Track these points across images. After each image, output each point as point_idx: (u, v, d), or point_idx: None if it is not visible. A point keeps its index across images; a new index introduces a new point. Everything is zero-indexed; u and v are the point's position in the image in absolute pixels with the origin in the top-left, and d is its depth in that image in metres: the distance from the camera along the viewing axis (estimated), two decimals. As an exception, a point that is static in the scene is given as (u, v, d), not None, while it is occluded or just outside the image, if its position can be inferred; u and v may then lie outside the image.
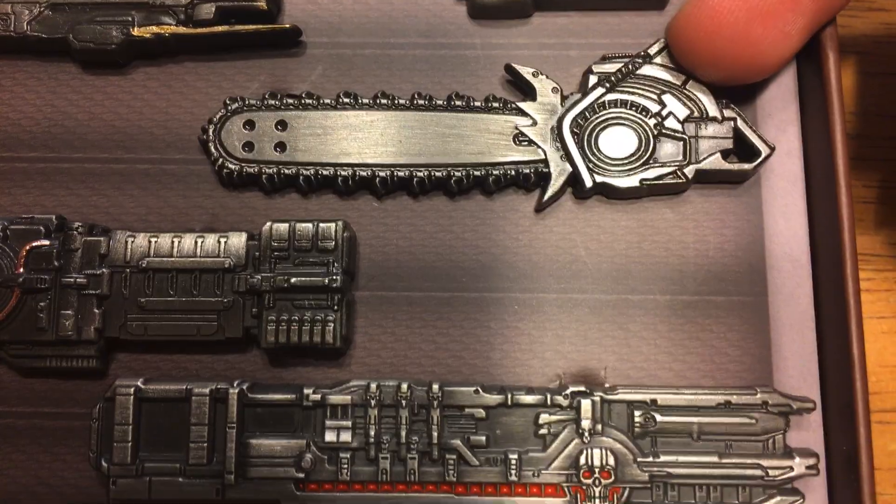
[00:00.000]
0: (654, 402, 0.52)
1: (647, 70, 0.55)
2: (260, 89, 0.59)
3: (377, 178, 0.56)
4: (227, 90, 0.59)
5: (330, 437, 0.51)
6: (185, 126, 0.58)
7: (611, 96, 0.55)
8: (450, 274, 0.56)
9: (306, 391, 0.52)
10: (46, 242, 0.53)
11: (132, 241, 0.54)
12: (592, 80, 0.56)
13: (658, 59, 0.56)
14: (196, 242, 0.54)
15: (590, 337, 0.55)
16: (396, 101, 0.56)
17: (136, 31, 0.57)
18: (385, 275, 0.56)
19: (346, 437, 0.51)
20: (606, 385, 0.54)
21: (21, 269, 0.53)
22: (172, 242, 0.54)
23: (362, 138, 0.56)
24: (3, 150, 0.58)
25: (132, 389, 0.52)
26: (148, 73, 0.59)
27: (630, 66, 0.55)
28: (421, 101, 0.56)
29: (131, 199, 0.57)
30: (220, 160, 0.56)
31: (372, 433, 0.51)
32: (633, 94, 0.55)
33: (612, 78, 0.55)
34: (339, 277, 0.53)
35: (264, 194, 0.57)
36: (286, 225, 0.54)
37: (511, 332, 0.55)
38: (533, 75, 0.56)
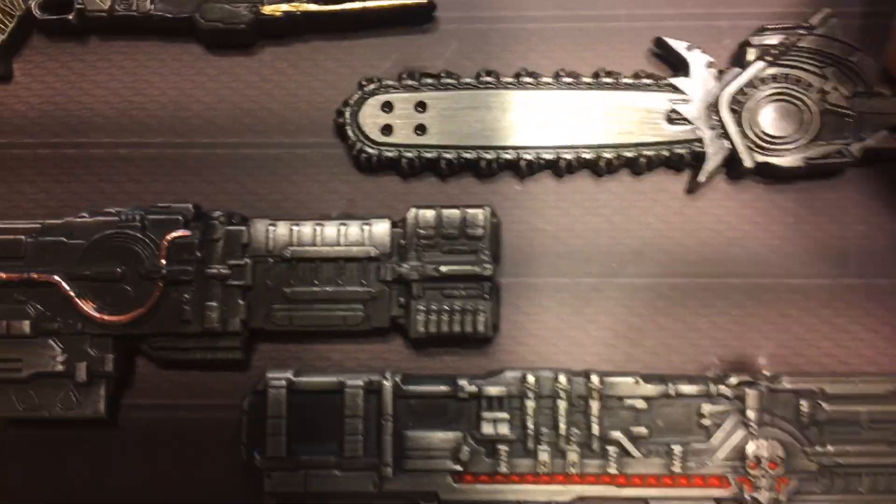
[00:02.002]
0: (822, 391, 0.53)
1: (809, 42, 0.56)
2: (392, 68, 0.59)
3: (522, 161, 0.56)
4: (358, 70, 0.59)
5: (487, 428, 0.53)
6: (316, 108, 0.59)
7: (771, 70, 0.55)
8: (597, 259, 0.57)
9: (461, 382, 0.53)
10: (188, 233, 0.55)
11: (273, 230, 0.55)
12: (751, 53, 0.55)
13: (820, 30, 0.56)
14: (339, 230, 0.55)
15: (747, 323, 0.56)
16: (540, 80, 0.57)
17: (266, 10, 0.58)
18: (530, 260, 0.57)
19: (503, 428, 0.53)
20: (766, 373, 0.55)
21: (164, 261, 0.55)
22: (315, 231, 0.55)
23: (505, 119, 0.56)
24: (129, 135, 0.59)
25: (284, 382, 0.53)
26: (275, 53, 0.60)
27: (792, 38, 0.55)
28: (566, 79, 0.56)
29: (264, 186, 0.59)
30: (358, 144, 0.57)
31: (530, 425, 0.53)
32: (794, 67, 0.55)
33: (773, 51, 0.55)
34: (489, 265, 0.54)
35: (401, 178, 0.58)
36: (432, 212, 0.55)
37: (664, 319, 0.56)
38: (686, 49, 0.56)
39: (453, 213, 0.55)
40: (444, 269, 0.54)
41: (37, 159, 0.59)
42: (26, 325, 0.54)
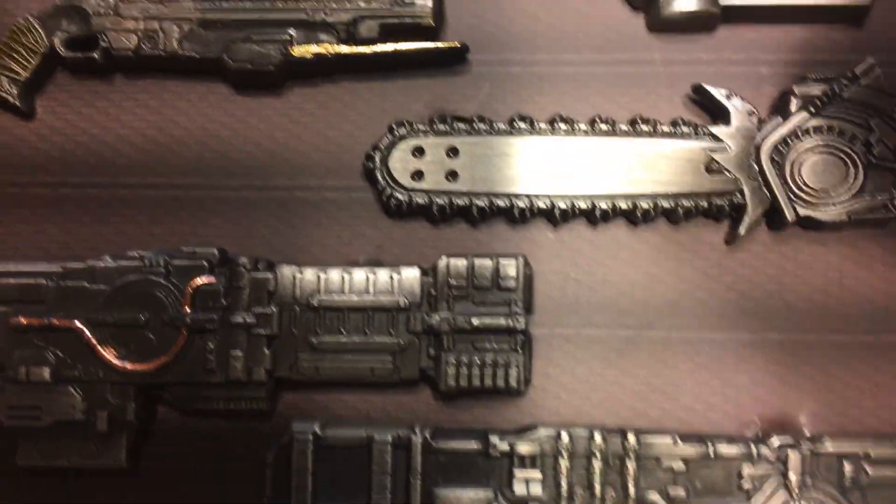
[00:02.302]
0: (866, 454, 0.51)
1: (853, 92, 0.54)
2: (424, 111, 0.58)
3: (556, 210, 0.55)
4: (388, 112, 0.58)
5: (519, 488, 0.51)
6: (346, 151, 0.58)
7: (814, 121, 0.54)
8: (633, 310, 0.56)
9: (493, 440, 0.52)
10: (212, 280, 0.54)
11: (300, 277, 0.54)
12: (794, 103, 0.54)
13: (864, 81, 0.55)
14: (367, 278, 0.54)
15: (787, 380, 0.55)
16: (576, 126, 0.56)
17: (295, 51, 0.57)
18: (563, 310, 0.56)
19: (535, 489, 0.51)
20: (808, 434, 0.54)
21: (188, 308, 0.54)
22: (343, 278, 0.54)
23: (540, 166, 0.55)
24: (155, 176, 0.58)
25: (310, 436, 0.52)
26: (304, 94, 0.59)
27: (835, 89, 0.54)
28: (603, 126, 0.55)
29: (291, 229, 0.58)
30: (388, 190, 0.56)
31: (564, 485, 0.51)
32: (838, 119, 0.54)
33: (816, 101, 0.54)
34: (522, 318, 0.53)
35: (431, 224, 0.57)
36: (464, 261, 0.54)
37: (702, 374, 0.55)
38: (726, 97, 0.55)
39: (485, 263, 0.54)
40: (475, 321, 0.53)
41: (59, 199, 0.58)
42: (46, 372, 0.53)
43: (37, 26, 0.58)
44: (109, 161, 0.58)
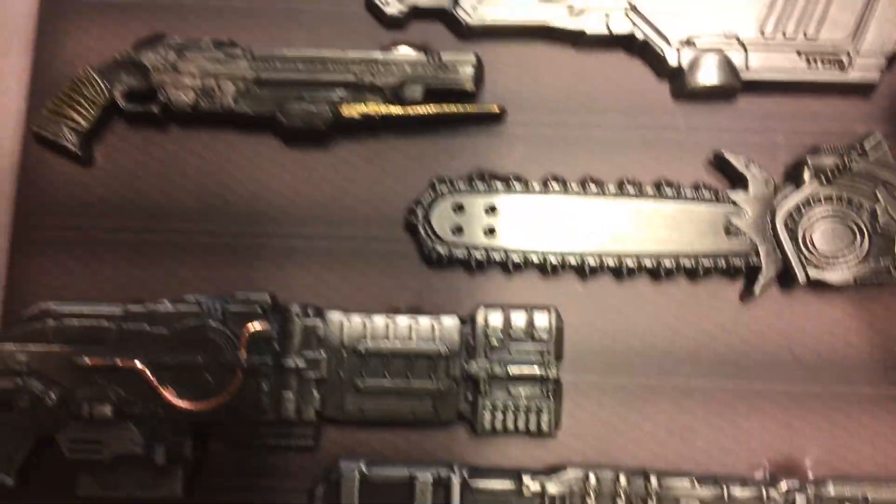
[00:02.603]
0: (866, 498, 0.56)
1: (861, 165, 0.59)
2: (461, 167, 0.62)
3: (586, 265, 0.59)
4: (428, 168, 0.62)
5: (549, 526, 0.57)
6: (388, 204, 0.62)
7: (825, 191, 0.59)
8: (654, 359, 0.60)
9: (525, 480, 0.56)
10: (266, 325, 0.58)
11: (347, 324, 0.58)
12: (808, 173, 0.59)
13: (872, 155, 0.59)
14: (410, 326, 0.58)
15: (794, 427, 0.59)
16: (606, 189, 0.60)
17: (345, 111, 0.61)
18: (590, 358, 0.60)
19: (564, 526, 0.57)
20: (811, 476, 0.58)
21: (244, 352, 0.58)
22: (387, 325, 0.58)
23: (572, 225, 0.60)
24: (207, 223, 0.62)
25: (356, 473, 0.56)
26: (350, 149, 0.63)
27: (846, 162, 0.59)
28: (631, 189, 0.60)
29: (337, 276, 0.62)
30: (430, 243, 0.60)
31: (590, 523, 0.57)
32: (847, 189, 0.59)
33: (828, 173, 0.59)
34: (554, 368, 0.57)
35: (468, 272, 0.61)
36: (500, 313, 0.58)
37: (716, 420, 0.59)
38: (746, 165, 0.60)
39: (520, 315, 0.58)
40: (511, 370, 0.57)
41: (116, 243, 0.62)
42: (108, 410, 0.56)
43: (98, 79, 0.61)
44: (164, 207, 0.62)
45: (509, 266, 0.60)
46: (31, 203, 0.62)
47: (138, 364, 0.56)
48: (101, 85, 0.61)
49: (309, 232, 0.62)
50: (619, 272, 0.60)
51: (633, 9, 0.62)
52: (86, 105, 0.61)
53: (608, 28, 0.62)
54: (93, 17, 0.64)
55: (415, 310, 0.60)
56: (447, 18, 0.63)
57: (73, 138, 0.61)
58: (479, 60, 0.61)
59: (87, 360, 0.56)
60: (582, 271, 0.60)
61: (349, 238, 0.62)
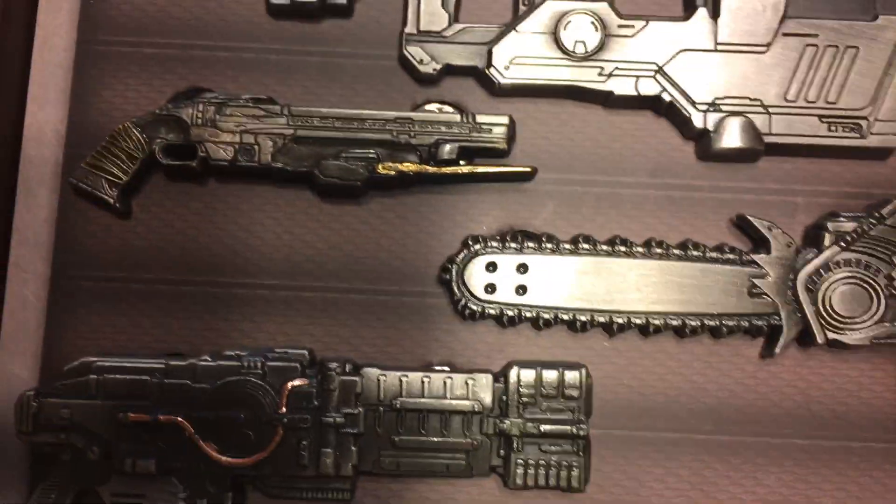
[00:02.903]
0: (878, 552, 0.60)
1: (879, 231, 0.61)
2: (493, 223, 0.64)
3: (614, 324, 0.62)
4: (461, 224, 0.64)
5: (579, 578, 0.59)
6: (421, 259, 0.64)
7: (844, 255, 0.61)
8: (678, 415, 0.62)
9: (556, 534, 0.59)
10: (306, 381, 0.59)
11: (384, 380, 0.60)
12: (827, 238, 0.61)
13: (890, 221, 0.61)
14: (445, 383, 0.60)
15: (809, 481, 0.62)
16: (633, 249, 0.62)
17: (381, 169, 0.62)
18: (616, 413, 0.62)
19: (593, 578, 0.59)
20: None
21: (284, 408, 0.59)
22: (423, 382, 0.60)
23: (601, 284, 0.61)
24: (244, 276, 0.63)
25: (394, 528, 0.58)
26: (384, 203, 0.64)
27: (864, 227, 0.61)
28: (658, 250, 0.62)
29: (372, 330, 0.63)
30: (463, 300, 0.61)
31: (618, 576, 0.59)
32: (865, 253, 0.61)
33: (847, 238, 0.61)
34: (584, 426, 0.59)
35: (500, 326, 0.63)
36: (533, 372, 0.60)
37: (736, 475, 0.62)
38: (768, 229, 0.62)
39: (552, 375, 0.60)
40: (543, 428, 0.59)
41: (154, 294, 0.63)
42: (151, 465, 0.58)
43: (137, 133, 0.62)
44: (202, 260, 0.63)
45: (540, 323, 0.62)
46: (69, 254, 0.63)
47: (181, 420, 0.59)
48: (141, 139, 0.62)
49: (343, 286, 0.63)
50: (646, 330, 0.62)
51: (661, 72, 0.63)
52: (125, 159, 0.62)
53: (636, 90, 0.64)
54: (128, 68, 0.65)
55: (447, 363, 0.62)
56: (479, 76, 0.65)
57: (112, 191, 0.62)
58: (512, 121, 0.62)
59: (129, 416, 0.58)
60: (610, 328, 0.62)
61: (383, 292, 0.63)
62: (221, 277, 0.63)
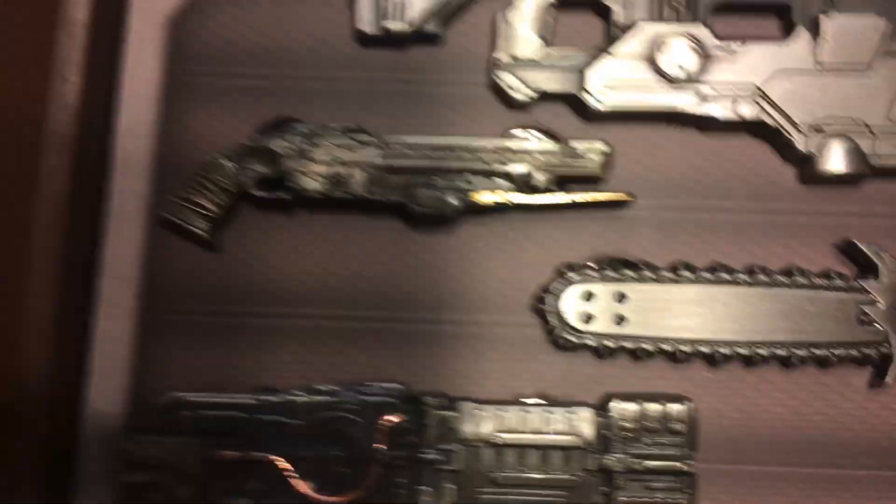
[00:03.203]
0: None
1: None
2: (586, 251, 0.62)
3: (717, 354, 0.60)
4: (553, 252, 0.62)
5: None
6: (515, 288, 0.62)
7: (959, 282, 0.59)
8: (784, 448, 0.60)
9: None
10: (403, 418, 0.58)
11: (480, 415, 0.58)
12: (942, 264, 0.60)
13: None
14: (544, 418, 0.58)
15: (926, 517, 0.60)
16: (736, 276, 0.60)
17: (475, 198, 0.61)
18: (719, 447, 0.60)
19: None
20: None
21: (380, 445, 0.57)
22: (521, 417, 0.59)
23: (702, 313, 0.59)
24: (334, 307, 0.62)
25: (496, 569, 0.57)
26: (475, 232, 0.63)
27: (982, 252, 0.59)
28: (762, 277, 0.60)
29: (463, 362, 0.62)
30: (559, 331, 0.60)
31: None
32: (982, 281, 0.59)
33: (962, 264, 0.59)
34: (691, 462, 0.57)
35: (595, 357, 0.61)
36: (636, 406, 0.58)
37: (848, 511, 0.61)
38: (877, 254, 0.60)
39: (655, 408, 0.58)
40: (648, 464, 0.57)
41: (244, 328, 0.62)
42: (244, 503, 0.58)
43: (228, 165, 0.62)
44: (291, 292, 0.62)
45: (639, 354, 0.60)
46: (158, 289, 0.62)
47: (275, 457, 0.58)
48: (232, 171, 0.62)
49: (434, 317, 0.62)
50: (751, 361, 0.60)
51: (761, 94, 0.62)
52: (217, 191, 0.62)
53: (736, 113, 0.62)
54: (216, 98, 0.64)
55: (540, 395, 0.60)
56: (572, 101, 0.63)
57: (203, 225, 0.61)
58: (609, 147, 0.61)
59: (223, 453, 0.57)
60: (713, 360, 0.60)
61: (474, 322, 0.62)
62: (311, 309, 0.62)
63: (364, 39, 0.64)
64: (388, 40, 0.64)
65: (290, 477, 0.57)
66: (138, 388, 0.62)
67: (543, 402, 0.59)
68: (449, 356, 0.62)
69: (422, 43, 0.65)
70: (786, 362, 0.60)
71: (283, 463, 0.57)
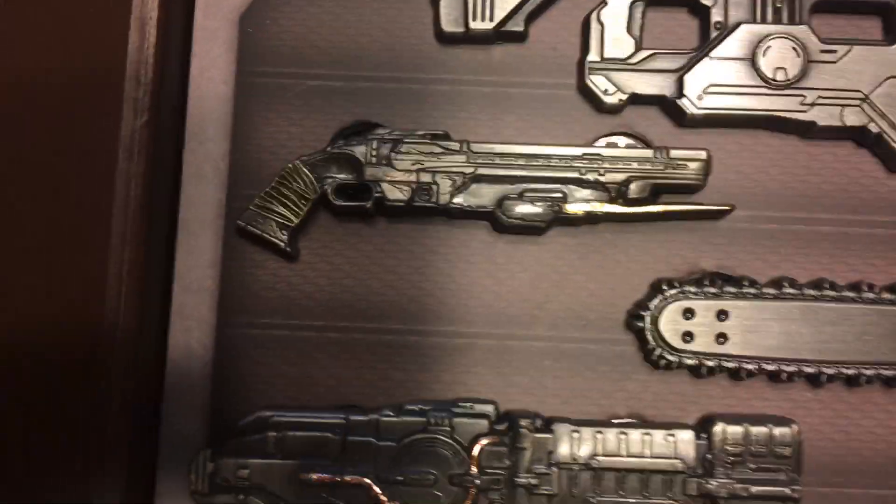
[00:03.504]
0: None
1: None
2: (681, 264, 0.59)
3: (822, 375, 0.57)
4: (648, 265, 0.59)
5: None
6: (607, 303, 0.59)
7: None
8: (889, 470, 0.57)
9: None
10: (497, 439, 0.55)
11: (577, 437, 0.56)
12: None
13: None
14: (643, 440, 0.56)
15: None
16: (841, 293, 0.57)
17: (567, 209, 0.58)
18: (822, 470, 0.57)
19: None
20: None
21: (475, 468, 0.55)
22: (619, 439, 0.56)
23: (807, 332, 0.57)
24: (416, 322, 0.58)
25: None
26: (565, 243, 0.59)
27: None
28: (868, 294, 0.57)
29: (554, 380, 0.59)
30: (658, 350, 0.57)
31: None
32: None
33: None
34: (798, 488, 0.55)
35: (692, 376, 0.59)
36: (740, 428, 0.55)
37: (955, 536, 0.58)
38: None
39: (762, 431, 0.55)
40: (754, 489, 0.55)
41: (326, 342, 0.59)
42: (336, 527, 0.56)
43: (307, 172, 0.59)
44: (373, 305, 0.59)
45: (741, 374, 0.58)
46: (234, 301, 0.59)
47: (367, 480, 0.55)
48: (311, 179, 0.58)
49: (524, 332, 0.59)
50: (856, 381, 0.58)
51: (868, 101, 0.59)
52: (295, 200, 0.58)
53: (842, 120, 0.59)
54: (290, 101, 0.60)
55: (636, 416, 0.58)
56: (665, 105, 0.60)
57: (283, 234, 0.58)
58: (709, 156, 0.57)
59: (314, 476, 0.55)
60: (817, 380, 0.58)
61: (566, 339, 0.59)
62: (394, 324, 0.59)
63: (446, 38, 0.61)
64: (472, 39, 0.61)
65: (383, 501, 0.55)
66: (217, 405, 0.59)
67: (639, 422, 0.57)
68: (538, 374, 0.59)
69: (506, 41, 0.61)
70: (890, 382, 0.58)
71: (375, 486, 0.55)
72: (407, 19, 0.62)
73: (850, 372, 0.57)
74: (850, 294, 0.57)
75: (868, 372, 0.57)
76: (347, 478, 0.54)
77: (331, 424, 0.56)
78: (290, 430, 0.55)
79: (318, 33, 0.62)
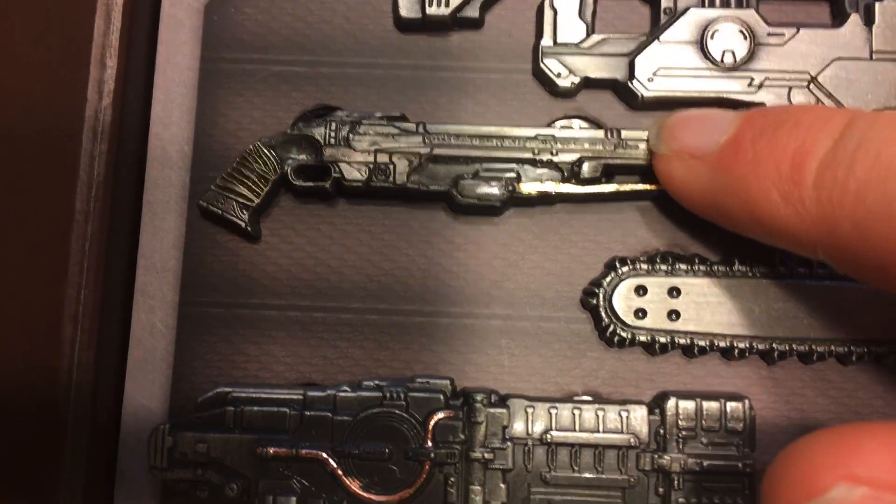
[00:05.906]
0: None
1: None
2: (636, 244, 0.58)
3: (774, 352, 0.56)
4: (603, 244, 0.58)
5: None
6: (563, 283, 0.58)
7: None
8: (842, 447, 0.57)
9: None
10: (451, 414, 0.54)
11: (532, 412, 0.55)
12: None
13: None
14: (597, 416, 0.55)
15: None
16: (795, 269, 0.56)
17: (521, 189, 0.57)
18: (777, 446, 0.54)
19: None
20: None
21: (430, 443, 0.54)
22: (573, 414, 0.55)
23: (758, 309, 0.56)
24: (377, 301, 0.58)
25: (549, 571, 0.53)
26: (521, 224, 0.58)
27: None
28: (820, 270, 0.56)
29: (511, 358, 0.57)
30: (612, 327, 0.56)
31: None
32: None
33: None
34: (750, 462, 0.53)
35: (647, 354, 0.58)
36: (692, 403, 0.54)
37: (908, 511, 0.57)
38: (939, 248, 0.57)
39: (713, 406, 0.54)
40: (706, 463, 0.53)
41: (286, 322, 0.58)
42: (292, 502, 0.53)
43: (268, 153, 0.58)
44: (333, 285, 0.58)
45: (694, 350, 0.56)
46: (197, 280, 0.58)
47: (323, 454, 0.54)
48: (272, 159, 0.58)
49: (481, 311, 0.57)
50: (809, 357, 0.56)
51: (815, 82, 0.58)
52: (256, 180, 0.57)
53: (789, 100, 0.58)
54: (254, 86, 0.59)
55: (592, 393, 0.57)
56: (618, 88, 0.59)
57: (243, 214, 0.57)
58: (659, 137, 0.58)
59: (270, 450, 0.53)
60: (769, 356, 0.57)
61: (523, 317, 0.58)
62: (354, 303, 0.58)
63: (404, 25, 0.60)
64: (429, 26, 0.60)
65: (339, 475, 0.54)
66: (178, 382, 0.57)
67: (592, 399, 0.56)
68: (496, 352, 0.58)
69: (462, 28, 0.60)
70: (844, 359, 0.57)
71: (332, 461, 0.54)
72: (367, 7, 0.61)
73: (802, 348, 0.55)
74: (802, 270, 0.57)
75: (820, 348, 0.56)
76: (304, 452, 0.53)
77: (288, 400, 0.54)
78: (248, 406, 0.54)
79: (281, 21, 0.61)
